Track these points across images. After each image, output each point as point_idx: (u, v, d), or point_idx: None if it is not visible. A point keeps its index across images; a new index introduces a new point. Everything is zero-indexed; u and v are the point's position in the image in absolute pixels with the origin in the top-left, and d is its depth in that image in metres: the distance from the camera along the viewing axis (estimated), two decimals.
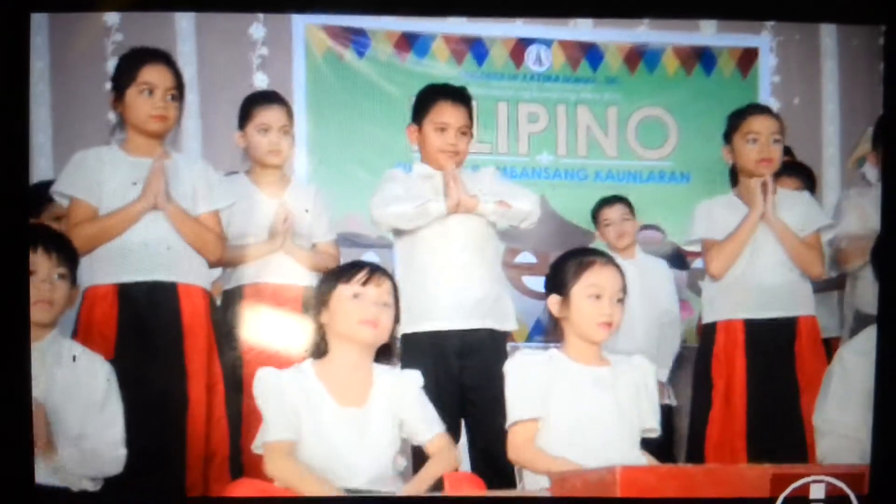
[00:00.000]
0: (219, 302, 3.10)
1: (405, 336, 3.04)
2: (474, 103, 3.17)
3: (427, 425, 2.56)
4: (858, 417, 2.64)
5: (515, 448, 2.55)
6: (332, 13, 3.91)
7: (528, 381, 2.57)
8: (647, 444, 2.61)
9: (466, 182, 3.07)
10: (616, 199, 3.77)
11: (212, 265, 3.01)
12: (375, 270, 2.54)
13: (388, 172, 3.20)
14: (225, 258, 3.07)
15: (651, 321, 3.62)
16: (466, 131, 3.09)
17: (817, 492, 2.26)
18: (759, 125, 3.15)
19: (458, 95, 3.11)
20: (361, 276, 2.51)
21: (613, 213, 3.74)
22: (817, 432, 2.76)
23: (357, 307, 2.50)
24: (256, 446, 2.47)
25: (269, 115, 3.15)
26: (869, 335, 2.69)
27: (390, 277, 2.57)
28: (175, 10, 3.69)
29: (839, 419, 2.71)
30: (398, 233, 3.11)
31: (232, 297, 3.11)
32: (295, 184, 3.25)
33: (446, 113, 3.07)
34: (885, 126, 2.53)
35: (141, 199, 2.86)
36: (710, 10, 2.59)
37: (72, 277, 2.66)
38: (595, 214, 3.79)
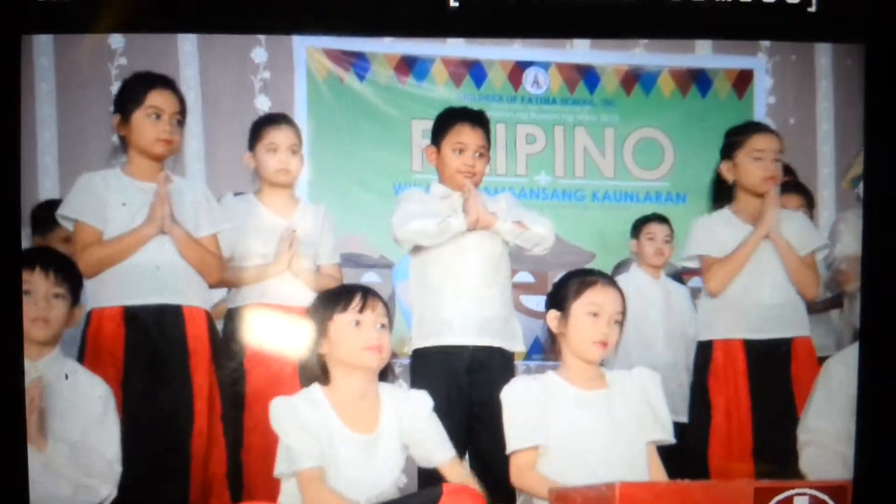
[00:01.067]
0: (221, 321, 3.12)
1: (416, 351, 3.08)
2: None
3: (442, 447, 2.57)
4: (840, 427, 2.65)
5: (517, 475, 2.57)
6: (330, 35, 3.93)
7: (525, 409, 2.58)
8: (671, 455, 2.63)
9: (485, 204, 3.10)
10: (665, 219, 3.79)
11: (210, 286, 3.03)
12: (367, 294, 2.54)
13: (405, 192, 3.24)
14: (224, 280, 3.10)
15: (675, 340, 3.64)
16: (484, 153, 3.13)
17: None
18: (764, 143, 3.14)
19: (477, 118, 3.14)
20: (356, 303, 2.51)
21: (660, 230, 3.76)
22: (800, 444, 2.78)
23: (359, 334, 2.50)
24: (283, 474, 2.47)
25: (278, 135, 3.17)
26: (856, 348, 2.72)
27: (381, 299, 2.57)
28: (172, 32, 3.69)
29: (821, 428, 2.72)
30: (414, 249, 3.13)
31: (236, 317, 3.12)
32: (303, 204, 3.27)
33: (465, 134, 3.10)
34: (866, 143, 2.56)
35: (148, 224, 2.89)
36: (699, 31, 2.62)
37: (72, 297, 2.67)
38: (639, 226, 3.79)
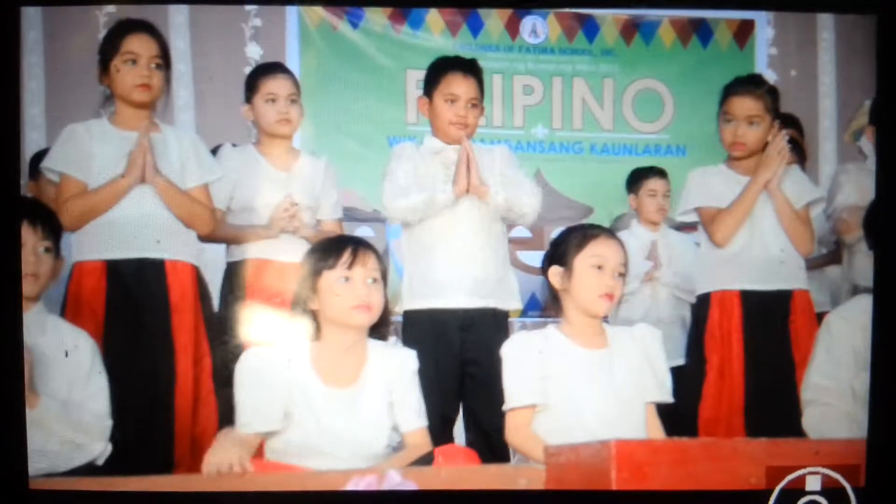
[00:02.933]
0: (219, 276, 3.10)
1: (407, 312, 3.06)
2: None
3: (413, 415, 2.54)
4: (844, 385, 2.65)
5: (512, 432, 2.56)
6: (325, 4, 3.89)
7: (524, 366, 2.57)
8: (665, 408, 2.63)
9: (478, 157, 3.06)
10: (664, 172, 3.75)
11: (202, 239, 3.00)
12: (358, 248, 2.51)
13: (396, 148, 3.19)
14: (218, 233, 3.06)
15: (679, 291, 3.62)
16: (477, 103, 3.09)
17: (813, 484, 2.27)
18: (736, 107, 3.13)
19: (468, 67, 3.10)
20: (346, 258, 2.48)
21: (661, 185, 3.73)
22: (803, 403, 2.78)
23: (348, 292, 2.48)
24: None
25: (276, 85, 3.13)
26: (858, 303, 2.71)
27: (374, 251, 2.54)
28: (169, 4, 3.67)
29: (823, 386, 2.72)
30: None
31: (235, 270, 3.10)
32: (304, 156, 3.22)
33: (456, 84, 3.07)
34: (877, 112, 2.54)
35: (126, 175, 2.86)
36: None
37: (56, 250, 2.65)
38: (638, 181, 3.76)
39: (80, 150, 2.87)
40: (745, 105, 3.13)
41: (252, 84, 3.16)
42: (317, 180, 3.19)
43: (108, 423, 2.61)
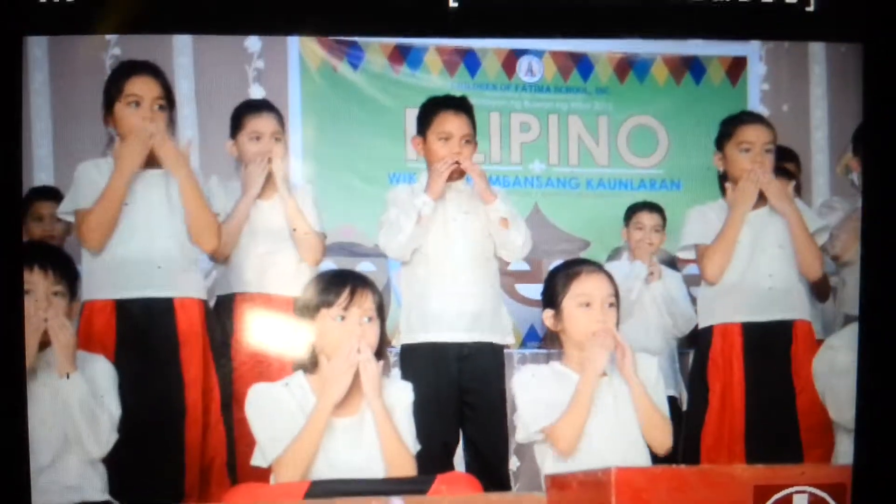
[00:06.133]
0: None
1: (405, 346, 3.09)
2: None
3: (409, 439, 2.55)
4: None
5: (565, 444, 2.57)
6: (328, 35, 3.93)
7: (540, 392, 2.60)
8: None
9: (469, 199, 3.11)
10: (655, 207, 3.80)
11: (209, 254, 2.99)
12: (357, 288, 2.52)
13: (390, 195, 3.22)
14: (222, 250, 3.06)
15: (669, 328, 3.67)
16: (470, 140, 3.13)
17: (800, 503, 2.28)
18: (752, 135, 3.13)
19: (460, 105, 3.15)
20: (343, 299, 2.51)
21: (649, 220, 3.77)
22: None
23: (342, 331, 2.50)
24: (260, 465, 2.49)
25: (260, 123, 3.14)
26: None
27: (372, 289, 2.56)
28: (169, 33, 3.69)
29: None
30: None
31: (223, 305, 3.11)
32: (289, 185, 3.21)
33: (448, 123, 3.10)
34: (864, 139, 2.57)
35: (131, 141, 2.85)
36: (695, 30, 2.61)
37: (70, 292, 2.65)
38: (629, 215, 3.80)
39: (92, 184, 2.86)
40: (761, 132, 3.14)
41: (237, 121, 3.17)
42: (300, 202, 3.16)
43: (115, 436, 2.59)
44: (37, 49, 3.55)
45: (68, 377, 2.54)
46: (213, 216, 2.95)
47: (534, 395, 2.60)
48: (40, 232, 3.30)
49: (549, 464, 2.59)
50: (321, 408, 2.45)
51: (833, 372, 2.85)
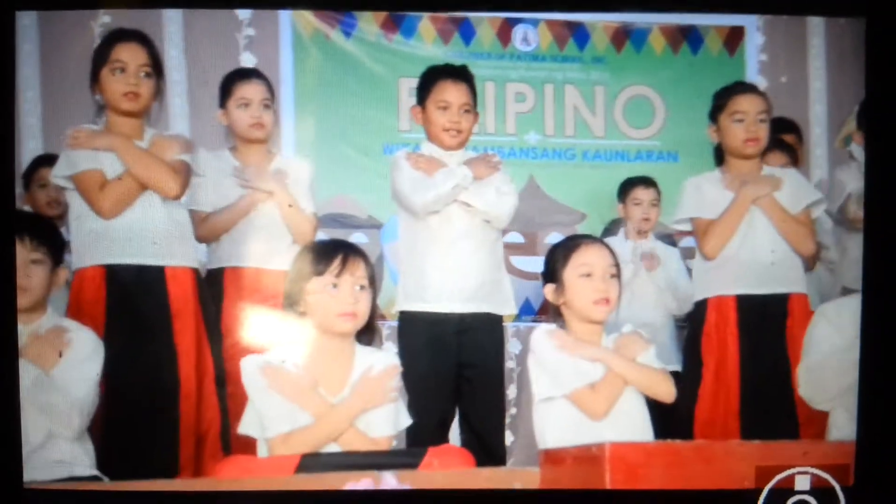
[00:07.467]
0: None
1: (403, 313, 3.07)
2: None
3: (388, 425, 2.54)
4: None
5: (599, 405, 2.58)
6: (320, 9, 3.90)
7: (561, 354, 2.61)
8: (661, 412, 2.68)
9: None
10: (651, 182, 3.78)
11: (172, 198, 2.96)
12: (349, 256, 2.52)
13: (394, 158, 3.20)
14: (205, 231, 3.07)
15: (668, 302, 3.64)
16: (469, 109, 3.14)
17: (802, 483, 2.28)
18: (745, 104, 3.15)
19: (459, 74, 3.15)
20: (335, 267, 2.50)
21: (646, 195, 3.76)
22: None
23: (334, 300, 2.49)
24: (251, 436, 2.48)
25: (249, 90, 3.14)
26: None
27: (364, 258, 2.55)
28: (163, 7, 3.67)
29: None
30: (403, 213, 3.12)
31: (213, 279, 3.10)
32: (279, 158, 3.23)
33: (447, 91, 3.11)
34: (866, 115, 2.56)
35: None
36: (695, 2, 2.60)
37: (52, 260, 2.64)
38: (625, 190, 3.79)
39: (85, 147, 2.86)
40: (755, 102, 3.15)
41: (226, 89, 3.18)
42: (291, 179, 3.17)
43: (77, 420, 2.57)
44: (25, 19, 3.51)
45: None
46: (166, 165, 2.92)
47: (561, 356, 2.60)
48: (45, 198, 3.32)
49: (552, 432, 2.57)
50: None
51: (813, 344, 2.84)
